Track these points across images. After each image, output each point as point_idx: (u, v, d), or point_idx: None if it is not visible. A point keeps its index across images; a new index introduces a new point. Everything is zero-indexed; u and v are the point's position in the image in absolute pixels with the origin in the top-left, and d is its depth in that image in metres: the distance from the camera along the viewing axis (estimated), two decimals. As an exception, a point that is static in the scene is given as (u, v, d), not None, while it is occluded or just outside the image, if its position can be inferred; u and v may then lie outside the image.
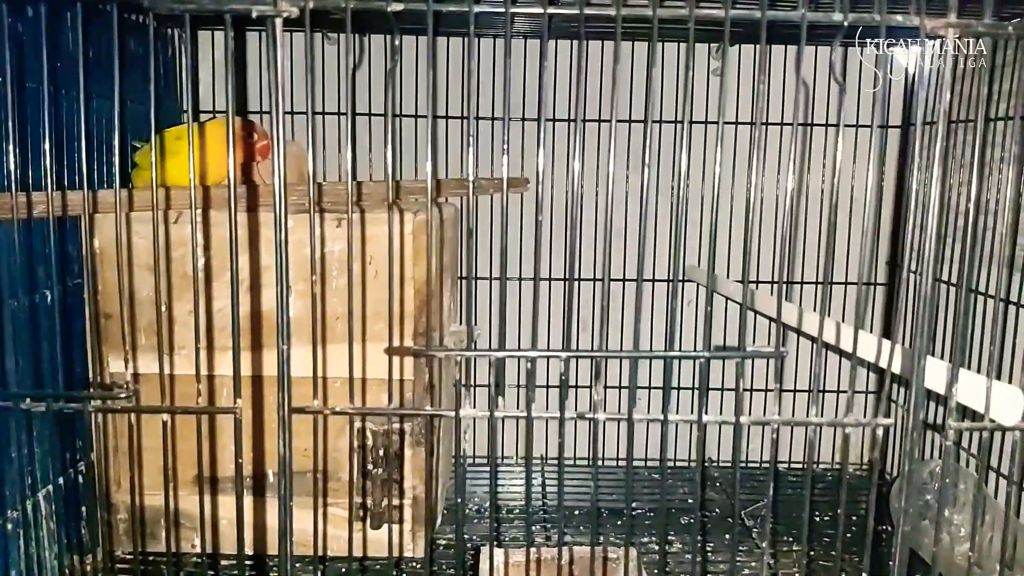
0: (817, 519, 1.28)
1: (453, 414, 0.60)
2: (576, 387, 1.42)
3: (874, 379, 1.49)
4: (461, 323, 1.42)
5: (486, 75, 1.32)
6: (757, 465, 1.48)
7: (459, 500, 0.60)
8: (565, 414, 0.59)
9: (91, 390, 1.01)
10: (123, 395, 0.58)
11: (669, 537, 1.22)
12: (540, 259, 0.59)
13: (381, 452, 1.05)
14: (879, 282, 1.45)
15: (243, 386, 0.96)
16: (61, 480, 1.02)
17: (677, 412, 0.60)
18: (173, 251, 1.02)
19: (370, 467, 1.06)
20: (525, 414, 0.60)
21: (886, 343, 0.63)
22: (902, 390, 1.29)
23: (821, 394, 0.63)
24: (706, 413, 0.60)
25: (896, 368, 0.69)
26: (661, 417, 0.60)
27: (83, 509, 1.07)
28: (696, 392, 1.34)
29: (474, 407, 0.62)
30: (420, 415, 0.62)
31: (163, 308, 1.00)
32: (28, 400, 0.59)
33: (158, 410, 0.60)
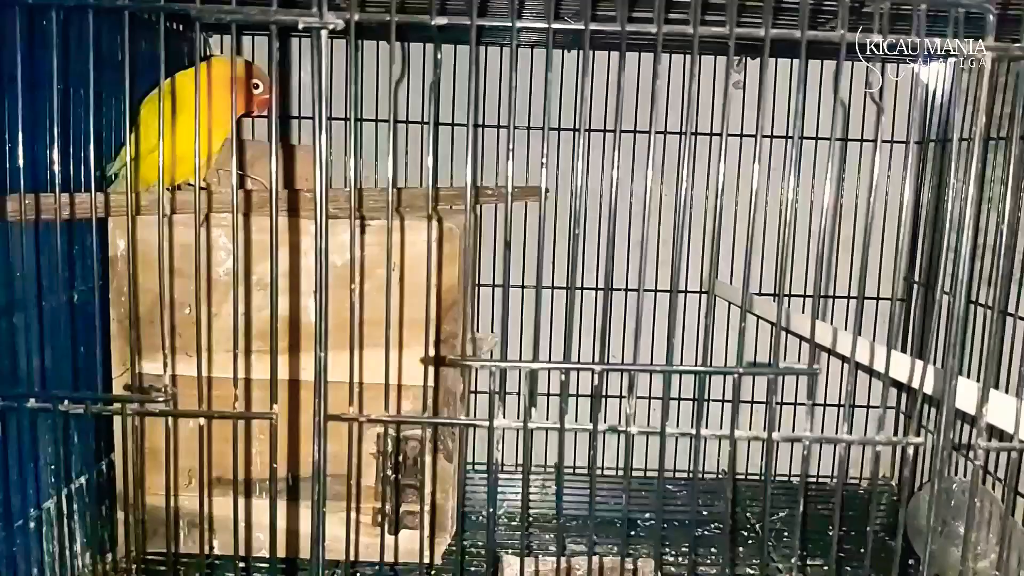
0: (831, 533, 1.28)
1: (487, 424, 0.60)
2: (606, 397, 1.41)
3: (891, 393, 1.48)
4: (478, 330, 1.43)
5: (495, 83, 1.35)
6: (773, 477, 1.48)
7: (490, 509, 0.60)
8: (598, 427, 0.60)
9: (110, 392, 1.03)
10: (161, 399, 0.59)
11: (683, 548, 1.23)
12: (576, 271, 0.59)
13: (400, 458, 1.06)
14: (899, 297, 1.45)
15: (263, 389, 0.97)
16: (82, 480, 1.03)
17: (708, 426, 0.60)
18: (198, 254, 1.02)
19: (388, 472, 1.06)
20: (558, 426, 0.60)
21: (918, 363, 0.64)
22: (924, 407, 1.29)
23: (852, 411, 0.63)
24: (738, 428, 0.61)
25: (927, 388, 0.69)
26: (693, 432, 0.60)
27: (103, 508, 1.08)
28: (729, 405, 1.34)
29: (503, 416, 0.62)
30: (455, 424, 0.63)
31: (189, 311, 1.01)
32: (67, 402, 0.60)
33: (195, 414, 0.61)
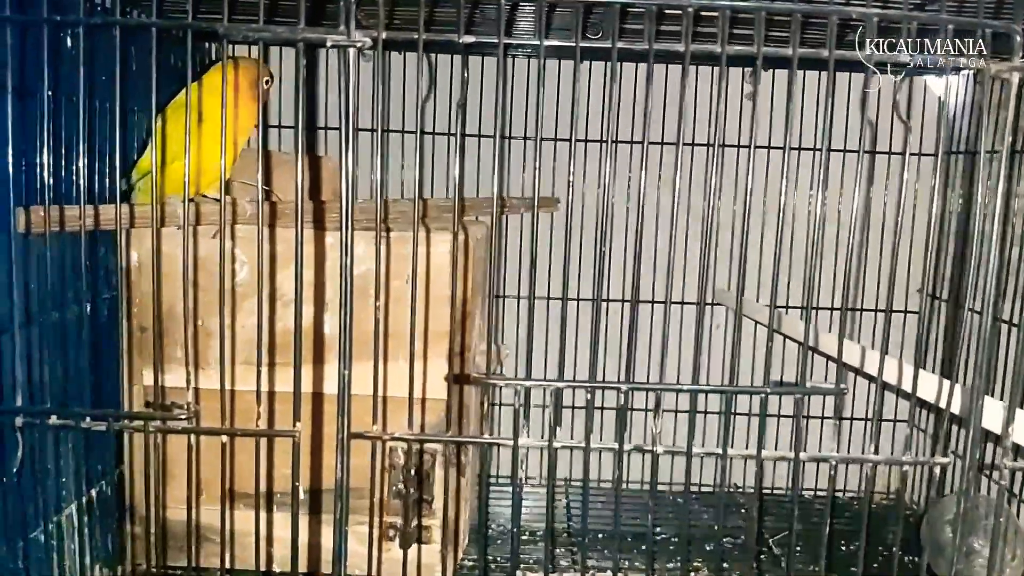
0: (844, 549, 1.27)
1: (511, 443, 0.60)
2: (630, 409, 1.41)
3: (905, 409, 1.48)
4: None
5: (518, 96, 1.35)
6: (783, 492, 1.47)
7: (514, 529, 0.60)
8: (624, 446, 0.59)
9: (123, 405, 1.03)
10: (183, 416, 0.59)
11: (695, 564, 1.22)
12: (602, 287, 0.59)
13: (412, 472, 1.05)
14: (911, 310, 1.45)
15: (278, 403, 0.96)
16: (92, 492, 1.03)
17: (734, 442, 0.60)
18: (210, 266, 1.02)
19: (400, 487, 1.05)
20: (583, 445, 0.60)
21: (945, 383, 0.63)
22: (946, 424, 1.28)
23: (879, 430, 0.63)
24: (764, 448, 0.60)
25: (953, 408, 0.69)
26: (720, 451, 0.60)
27: (112, 521, 1.08)
28: (747, 420, 1.33)
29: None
30: (479, 443, 0.62)
31: (202, 323, 1.01)
32: (88, 419, 0.60)
33: (218, 432, 0.60)
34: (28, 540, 0.88)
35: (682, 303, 1.42)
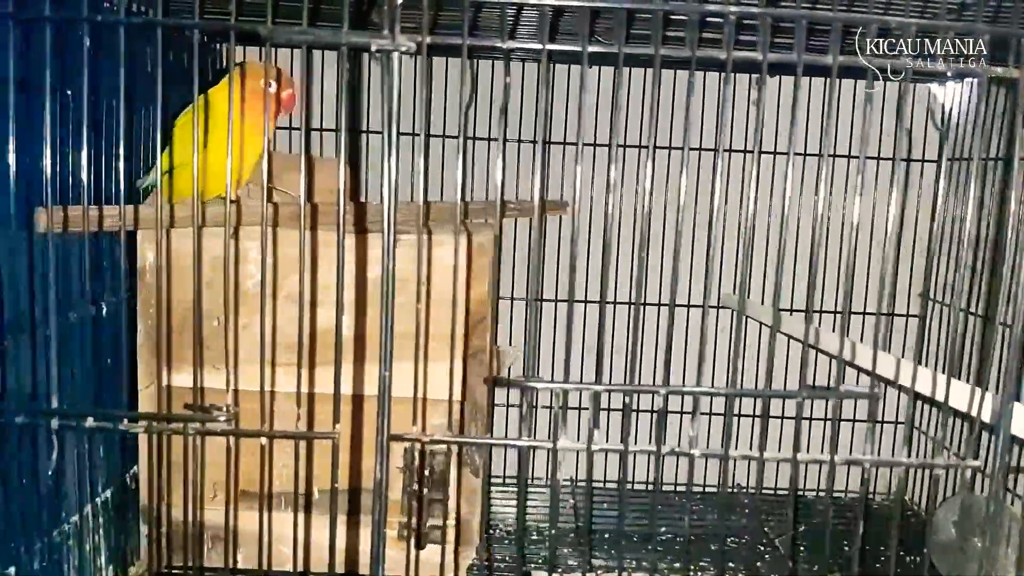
0: (847, 549, 1.28)
1: (551, 445, 0.60)
2: (639, 412, 1.40)
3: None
4: (497, 342, 1.43)
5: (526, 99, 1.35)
6: (786, 493, 1.48)
7: (551, 530, 0.60)
8: (662, 449, 0.60)
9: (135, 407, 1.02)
10: (223, 418, 0.59)
11: (702, 564, 1.23)
12: (645, 290, 0.59)
13: (428, 472, 1.05)
14: (912, 314, 1.46)
15: (300, 403, 0.96)
16: (107, 493, 1.02)
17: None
18: (232, 266, 1.01)
19: (416, 487, 1.05)
20: (622, 448, 0.60)
21: (977, 391, 0.64)
22: (951, 427, 1.29)
23: (910, 434, 0.64)
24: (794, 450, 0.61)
25: (970, 409, 0.70)
26: (757, 455, 0.60)
27: (126, 522, 1.07)
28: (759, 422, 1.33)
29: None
30: (517, 446, 0.62)
31: (218, 323, 1.00)
32: (126, 421, 0.60)
33: (258, 434, 0.60)
34: (47, 541, 0.87)
35: (688, 305, 1.43)
